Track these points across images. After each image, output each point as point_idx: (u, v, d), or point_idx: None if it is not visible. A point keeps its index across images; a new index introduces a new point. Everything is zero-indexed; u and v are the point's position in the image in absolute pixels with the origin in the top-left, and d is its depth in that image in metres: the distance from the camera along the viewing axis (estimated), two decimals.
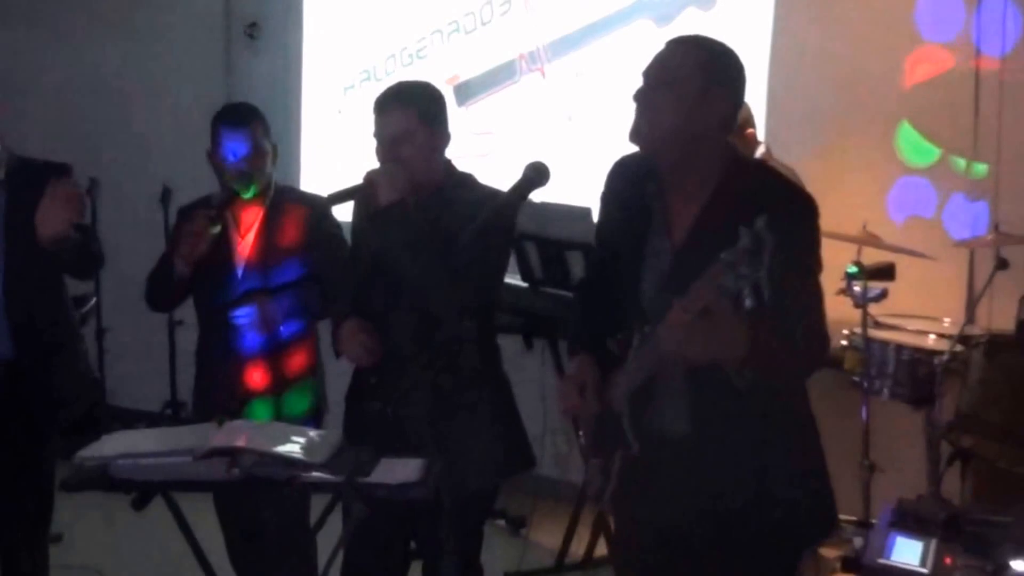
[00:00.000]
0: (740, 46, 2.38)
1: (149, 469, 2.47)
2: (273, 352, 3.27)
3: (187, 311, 3.45)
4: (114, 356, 5.23)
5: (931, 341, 4.12)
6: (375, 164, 2.86)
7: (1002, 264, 3.95)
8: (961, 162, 4.47)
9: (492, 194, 2.77)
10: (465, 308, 2.65)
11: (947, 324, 4.27)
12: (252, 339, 3.26)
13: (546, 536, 4.62)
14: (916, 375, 4.02)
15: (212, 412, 2.88)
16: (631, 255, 2.37)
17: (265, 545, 3.21)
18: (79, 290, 3.85)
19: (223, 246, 3.24)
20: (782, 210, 2.08)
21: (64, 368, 3.26)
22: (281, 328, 3.27)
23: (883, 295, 4.20)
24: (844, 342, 4.17)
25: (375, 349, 2.84)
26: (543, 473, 3.54)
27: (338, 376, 3.14)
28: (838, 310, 3.88)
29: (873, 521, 3.76)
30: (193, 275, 3.20)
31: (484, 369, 2.86)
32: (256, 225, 3.28)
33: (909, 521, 3.17)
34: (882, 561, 3.07)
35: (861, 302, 4.09)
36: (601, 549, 4.24)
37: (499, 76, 5.19)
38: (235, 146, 3.21)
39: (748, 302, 1.95)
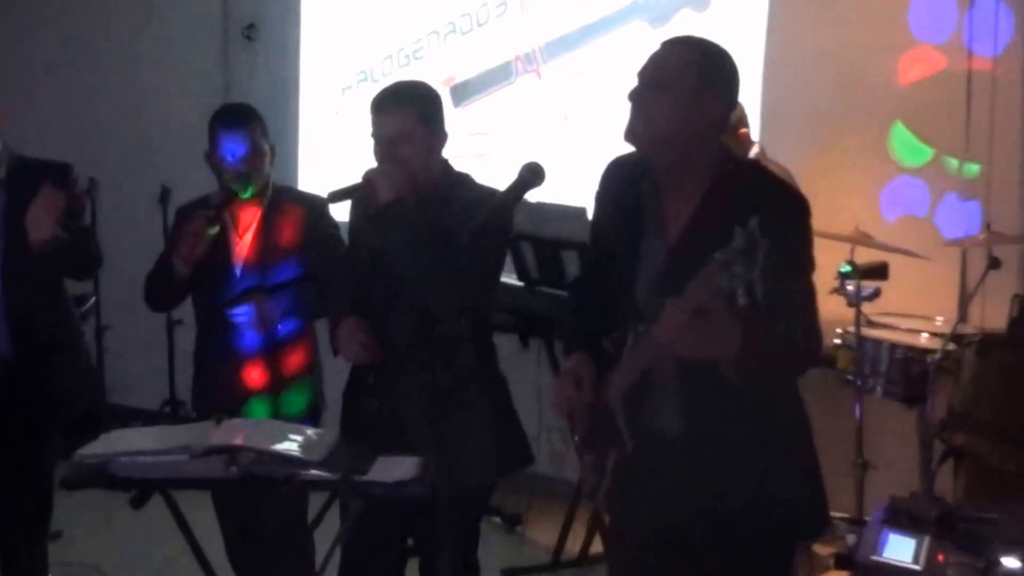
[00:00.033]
0: (734, 47, 2.40)
1: (148, 467, 2.46)
2: (271, 351, 3.27)
3: (186, 310, 3.45)
4: (113, 355, 5.23)
5: (924, 340, 4.13)
6: (373, 164, 2.86)
7: (994, 263, 3.96)
8: (954, 162, 4.49)
9: (489, 193, 2.77)
10: (463, 307, 2.67)
11: (940, 323, 4.28)
12: (250, 338, 3.26)
13: (542, 533, 4.63)
14: (909, 373, 4.03)
15: (210, 410, 2.87)
16: (626, 254, 2.37)
17: (263, 543, 3.23)
18: (78, 289, 3.84)
19: (221, 246, 3.24)
20: (775, 210, 2.11)
21: (64, 367, 3.26)
22: (279, 327, 3.27)
23: (876, 294, 4.21)
24: (837, 341, 4.19)
25: (373, 348, 2.84)
26: (539, 471, 3.55)
27: (336, 375, 3.15)
28: (831, 309, 3.90)
29: (866, 518, 3.77)
30: (192, 275, 3.20)
31: (481, 368, 2.88)
32: (254, 225, 3.28)
33: (902, 518, 3.13)
34: (875, 558, 3.03)
35: (854, 301, 4.10)
36: (597, 546, 4.25)
37: (495, 77, 5.20)
38: (233, 147, 3.21)
39: (742, 301, 1.97)
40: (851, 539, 3.84)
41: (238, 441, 2.47)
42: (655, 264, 2.33)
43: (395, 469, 2.48)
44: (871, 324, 4.24)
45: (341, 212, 3.12)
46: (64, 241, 3.05)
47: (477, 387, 2.81)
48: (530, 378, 4.06)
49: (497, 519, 4.69)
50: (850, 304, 4.12)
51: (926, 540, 3.03)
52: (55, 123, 5.65)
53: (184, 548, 2.71)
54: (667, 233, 2.33)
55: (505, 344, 3.28)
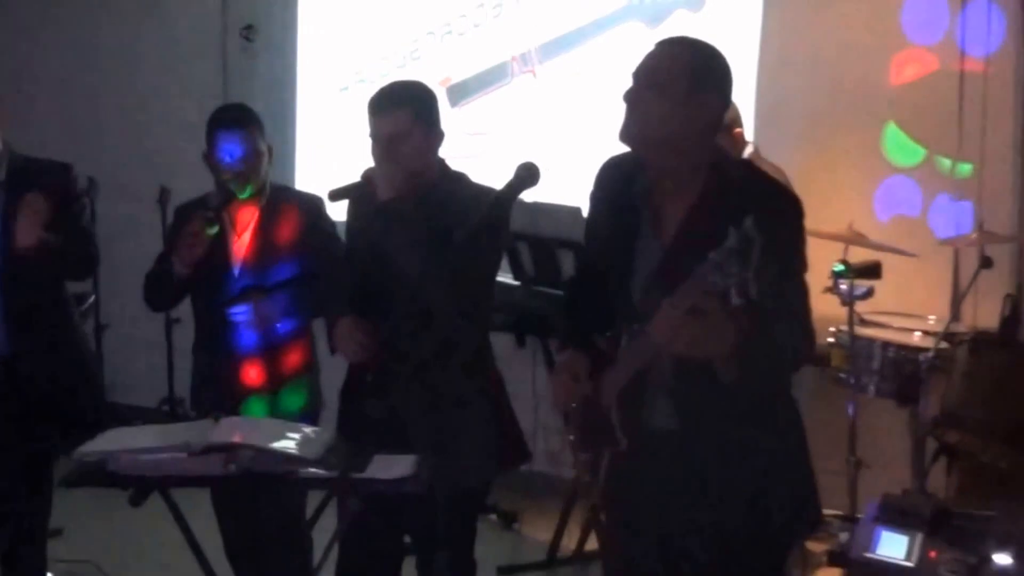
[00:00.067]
0: (729, 47, 2.40)
1: (146, 465, 2.47)
2: (269, 350, 3.28)
3: (184, 309, 3.46)
4: (112, 353, 5.23)
5: (916, 339, 4.14)
6: (371, 164, 2.89)
7: (986, 263, 3.97)
8: (946, 162, 4.51)
9: (485, 192, 2.78)
10: (461, 305, 2.67)
11: (932, 322, 4.29)
12: (248, 337, 3.27)
13: (538, 531, 4.64)
14: (902, 372, 4.04)
15: (209, 409, 2.89)
16: (620, 254, 2.38)
17: (261, 540, 3.24)
18: (78, 288, 3.85)
19: (220, 245, 3.24)
20: (768, 210, 2.11)
21: (64, 366, 3.27)
22: (277, 326, 3.28)
23: (869, 293, 4.21)
24: (831, 339, 4.18)
25: (371, 346, 2.85)
26: (535, 469, 3.56)
27: (334, 373, 3.15)
28: (825, 308, 3.88)
29: (859, 516, 3.75)
30: (191, 275, 3.20)
31: (478, 366, 2.90)
32: (252, 225, 3.29)
33: (895, 516, 3.14)
34: (868, 555, 3.06)
35: (848, 300, 4.10)
36: (592, 544, 4.25)
37: (491, 77, 5.20)
38: (231, 148, 3.21)
39: (736, 301, 1.99)
40: (844, 536, 3.84)
41: (236, 439, 2.47)
42: (650, 263, 2.34)
43: (392, 467, 2.49)
44: (864, 323, 4.24)
45: (339, 212, 3.14)
46: (52, 245, 3.06)
47: (474, 385, 2.83)
48: (526, 377, 4.07)
49: (493, 517, 4.69)
50: (843, 303, 4.12)
51: (919, 537, 3.05)
52: (55, 123, 5.66)
53: (183, 545, 2.72)
54: (662, 233, 2.34)
55: (501, 343, 3.29)
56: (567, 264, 3.96)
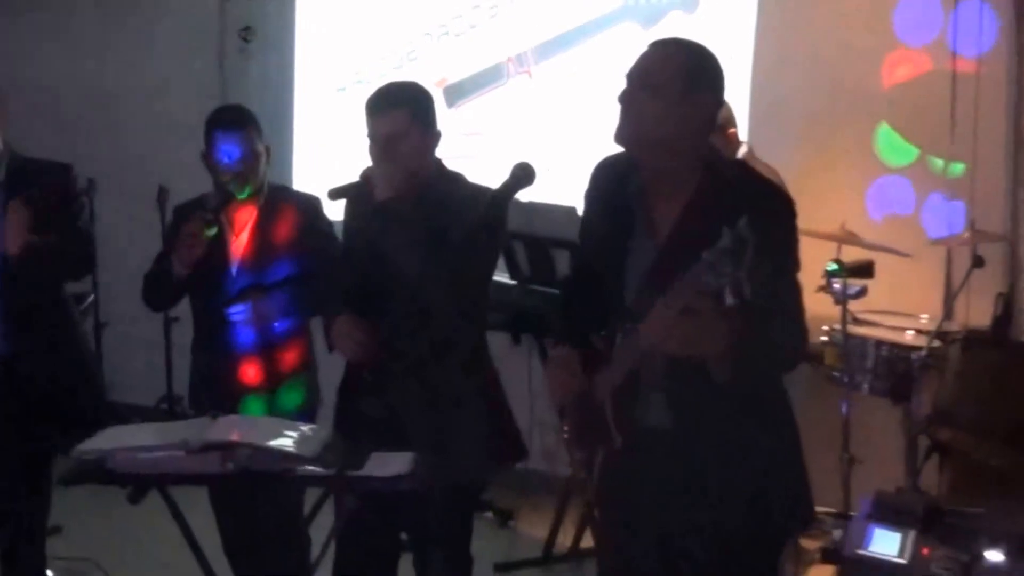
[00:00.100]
0: (723, 48, 2.42)
1: (145, 463, 2.48)
2: (267, 348, 3.30)
3: (183, 308, 3.47)
4: (111, 351, 5.24)
5: (909, 337, 4.15)
6: (369, 163, 2.90)
7: (978, 262, 3.98)
8: (938, 162, 4.52)
9: (482, 192, 2.80)
10: (458, 304, 2.68)
11: (925, 320, 4.30)
12: (246, 335, 3.28)
13: (533, 528, 4.65)
14: (895, 370, 4.04)
15: (207, 407, 2.90)
16: (614, 254, 2.40)
17: (259, 537, 3.25)
18: (77, 288, 3.87)
19: (218, 245, 3.26)
20: (762, 210, 2.13)
21: (63, 365, 3.28)
22: (275, 325, 3.30)
23: (862, 292, 4.21)
24: (824, 338, 4.20)
25: (368, 344, 2.87)
26: (531, 466, 3.56)
27: (332, 372, 3.16)
28: (818, 307, 3.91)
29: (852, 513, 3.78)
30: (190, 275, 3.21)
31: (476, 364, 2.91)
32: (250, 224, 3.30)
33: (887, 513, 3.17)
34: (861, 552, 3.07)
35: (841, 299, 4.11)
36: (587, 541, 4.26)
37: (487, 78, 5.20)
38: (229, 149, 3.23)
39: (729, 300, 2.01)
40: (838, 533, 3.88)
41: (234, 437, 2.48)
42: (644, 263, 2.35)
43: (389, 464, 2.50)
44: (857, 321, 4.25)
45: (336, 211, 3.16)
46: (38, 246, 3.08)
47: (472, 383, 2.84)
48: (522, 375, 4.07)
49: (490, 514, 4.70)
50: (837, 302, 4.13)
51: (911, 534, 3.07)
52: (54, 125, 5.67)
53: (181, 543, 2.73)
54: (656, 232, 2.35)
55: (497, 341, 3.30)
56: (562, 263, 3.97)
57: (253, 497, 3.01)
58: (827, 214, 4.14)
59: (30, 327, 3.22)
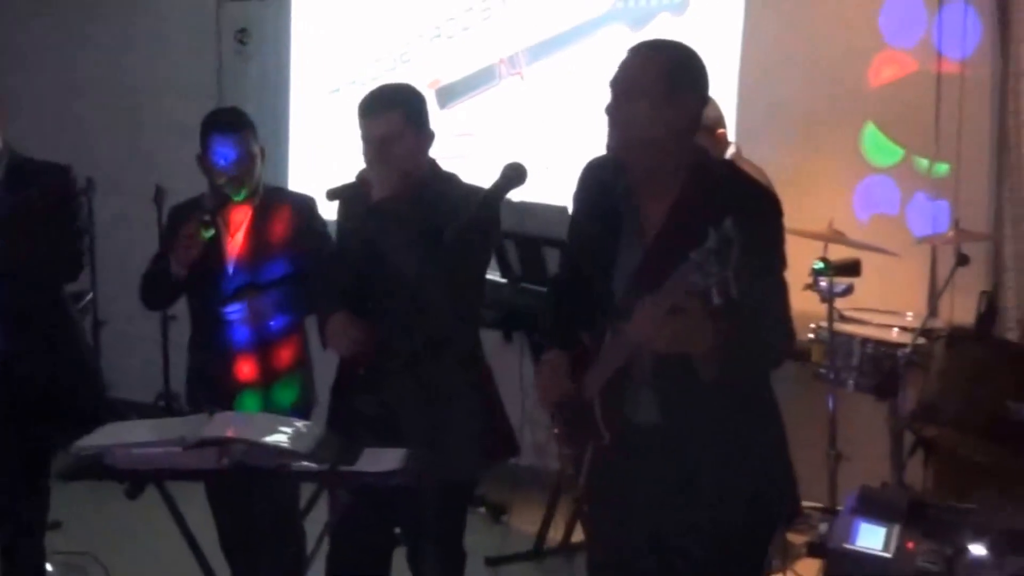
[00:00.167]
0: (712, 50, 2.43)
1: (142, 459, 2.50)
2: (262, 346, 3.32)
3: (180, 306, 3.50)
4: (109, 349, 5.25)
5: (894, 334, 4.16)
6: (362, 164, 2.92)
7: (962, 260, 3.99)
8: (923, 162, 4.54)
9: (476, 192, 2.80)
10: (453, 302, 2.70)
11: (910, 318, 4.31)
12: (242, 333, 3.30)
13: (525, 522, 4.67)
14: (880, 367, 4.05)
15: (203, 404, 2.93)
16: (603, 253, 2.41)
17: (255, 532, 3.26)
18: (76, 286, 3.87)
19: (214, 245, 3.27)
20: (748, 210, 2.14)
21: (62, 363, 3.29)
22: (270, 323, 3.32)
23: (849, 290, 4.22)
24: (811, 335, 4.21)
25: (363, 342, 2.89)
26: (522, 462, 3.58)
27: (327, 371, 3.17)
28: (805, 304, 3.94)
29: (838, 508, 3.79)
30: (187, 275, 3.23)
31: (470, 361, 2.94)
32: (245, 224, 3.32)
33: (873, 508, 3.16)
34: (847, 546, 3.07)
35: (827, 297, 4.12)
36: (578, 535, 4.25)
37: (479, 80, 5.22)
38: (225, 151, 3.25)
39: (715, 300, 2.02)
40: (824, 528, 3.86)
41: (230, 433, 2.50)
42: (632, 263, 2.36)
43: (382, 460, 2.52)
44: (844, 319, 4.26)
45: (329, 211, 3.19)
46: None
47: (466, 380, 2.86)
48: (513, 371, 4.08)
49: (482, 509, 4.72)
50: (823, 300, 4.13)
51: (896, 528, 3.06)
52: (54, 126, 5.68)
53: (179, 537, 2.76)
54: (643, 232, 2.36)
55: (489, 339, 3.32)
56: (553, 262, 3.96)
57: (249, 492, 2.99)
58: (814, 213, 4.15)
59: (29, 326, 3.23)
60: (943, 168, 4.51)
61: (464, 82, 5.27)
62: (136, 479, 2.54)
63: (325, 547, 3.02)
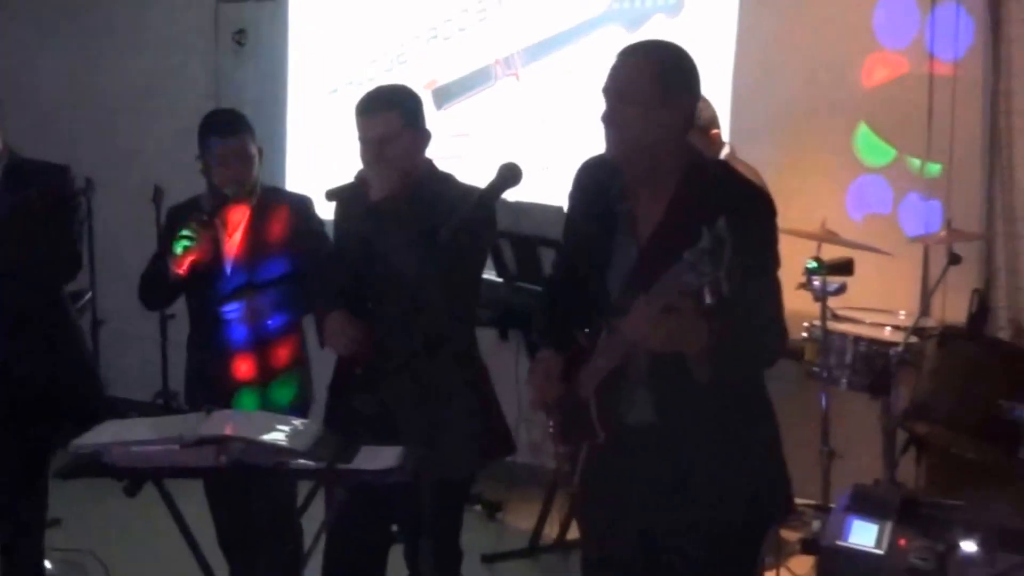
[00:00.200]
0: (706, 51, 2.44)
1: (141, 456, 2.51)
2: (260, 345, 3.32)
3: (179, 305, 3.50)
4: (108, 348, 5.25)
5: (887, 333, 4.17)
6: (360, 165, 2.93)
7: (954, 259, 4.00)
8: (916, 162, 4.56)
9: (472, 192, 2.80)
10: (450, 301, 2.71)
11: (902, 317, 4.32)
12: (240, 332, 3.31)
13: (520, 520, 4.69)
14: (873, 366, 4.06)
15: (202, 402, 2.93)
16: (597, 253, 2.42)
17: (253, 530, 3.28)
18: (75, 286, 3.89)
19: (213, 245, 3.27)
20: (742, 210, 2.16)
21: (61, 363, 3.30)
22: (268, 322, 3.33)
23: (842, 289, 4.24)
24: (804, 334, 4.22)
25: (361, 341, 2.90)
26: (518, 460, 3.59)
27: (325, 370, 3.19)
28: (798, 304, 3.97)
29: (831, 505, 3.79)
30: (185, 276, 3.23)
31: (466, 360, 2.96)
32: (243, 224, 3.33)
33: (865, 505, 3.19)
34: (839, 543, 3.11)
35: (820, 296, 4.13)
36: (573, 532, 4.25)
37: (475, 80, 5.24)
38: (223, 153, 3.25)
39: (709, 300, 2.03)
40: (817, 525, 3.87)
41: (228, 431, 2.51)
42: (626, 262, 2.38)
43: (378, 458, 2.53)
44: (837, 318, 4.27)
45: (327, 211, 3.20)
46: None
47: (463, 379, 2.88)
48: (509, 370, 4.09)
49: (478, 507, 4.73)
50: (816, 299, 4.14)
51: (888, 526, 3.10)
52: (53, 127, 5.69)
53: (177, 534, 2.77)
54: (638, 232, 2.38)
55: (485, 337, 3.33)
56: (548, 261, 3.98)
57: (247, 490, 3.01)
58: (808, 213, 4.17)
59: (28, 326, 3.24)
60: (935, 168, 4.53)
61: (460, 83, 5.28)
62: (135, 477, 2.56)
63: (322, 544, 3.04)
